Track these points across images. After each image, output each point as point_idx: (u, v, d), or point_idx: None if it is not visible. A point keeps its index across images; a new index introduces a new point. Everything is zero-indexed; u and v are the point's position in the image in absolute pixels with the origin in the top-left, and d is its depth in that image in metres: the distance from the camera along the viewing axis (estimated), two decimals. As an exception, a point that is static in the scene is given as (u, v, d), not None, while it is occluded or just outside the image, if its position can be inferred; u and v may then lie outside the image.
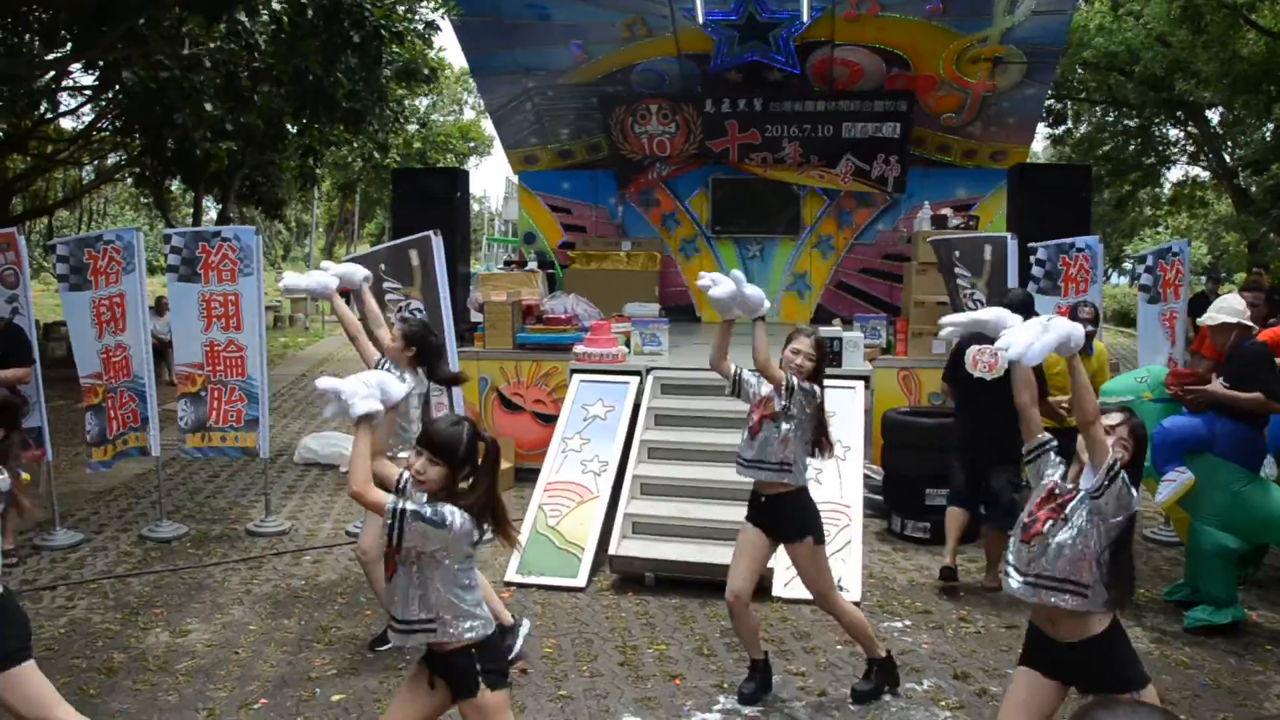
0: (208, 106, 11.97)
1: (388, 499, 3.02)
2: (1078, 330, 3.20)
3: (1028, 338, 3.14)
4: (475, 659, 3.14)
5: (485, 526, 3.13)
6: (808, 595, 5.24)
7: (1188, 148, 24.37)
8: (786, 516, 4.56)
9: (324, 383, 3.11)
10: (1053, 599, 3.19)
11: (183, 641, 5.38)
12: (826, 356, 4.64)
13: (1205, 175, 26.35)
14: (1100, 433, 3.17)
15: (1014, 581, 3.27)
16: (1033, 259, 7.28)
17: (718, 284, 4.35)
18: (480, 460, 3.14)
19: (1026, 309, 6.43)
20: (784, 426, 4.46)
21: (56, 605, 5.91)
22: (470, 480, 3.13)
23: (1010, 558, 3.31)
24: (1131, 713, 1.49)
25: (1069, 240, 7.31)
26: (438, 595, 3.08)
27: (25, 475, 3.40)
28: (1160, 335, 7.25)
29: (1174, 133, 23.98)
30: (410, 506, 3.00)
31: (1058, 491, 3.27)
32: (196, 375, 7.39)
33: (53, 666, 5.00)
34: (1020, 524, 3.32)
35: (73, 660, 5.11)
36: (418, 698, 3.22)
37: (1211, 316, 5.64)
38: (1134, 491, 3.21)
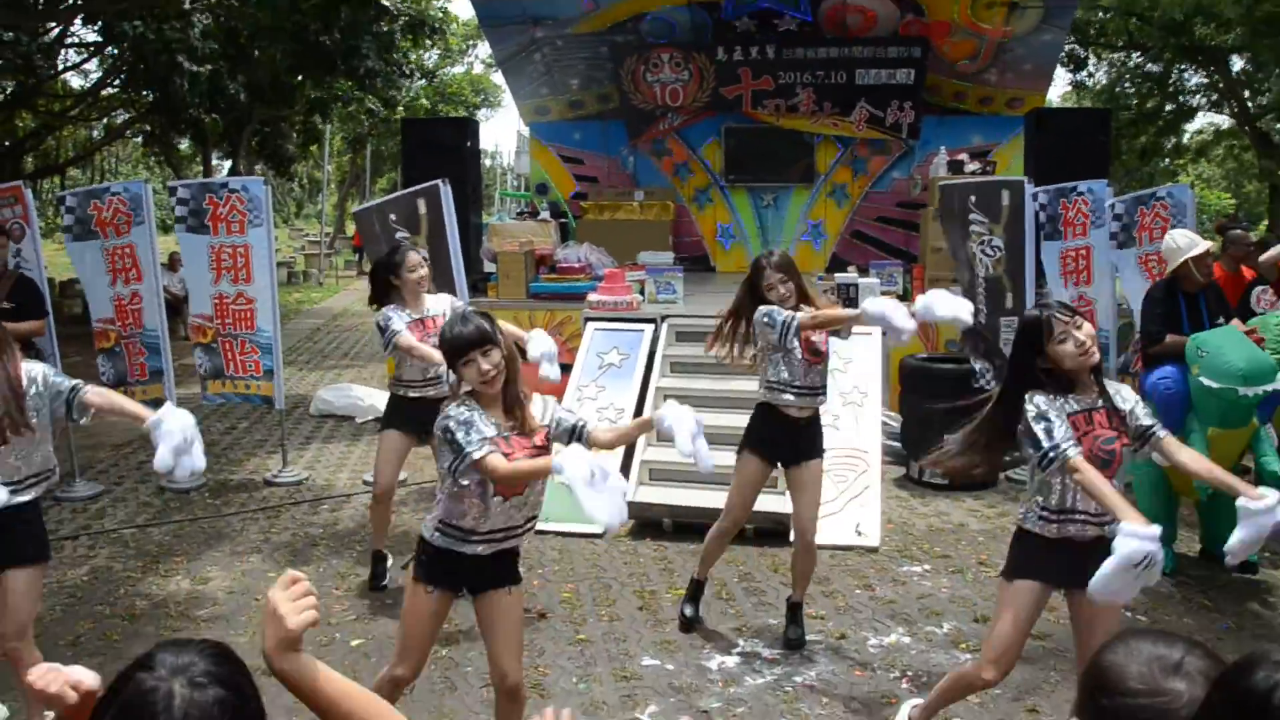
0: (193, 67, 11.83)
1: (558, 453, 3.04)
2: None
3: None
4: None
5: None
6: (828, 540, 5.26)
7: (1210, 96, 23.97)
8: (817, 433, 4.63)
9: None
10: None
11: (203, 589, 5.41)
12: (795, 270, 4.54)
13: (1227, 123, 25.95)
14: None
15: (1091, 531, 3.18)
16: (1035, 205, 7.16)
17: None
18: None
19: None
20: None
21: (79, 554, 5.94)
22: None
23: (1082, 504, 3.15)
24: (1173, 640, 1.44)
25: (1071, 184, 7.17)
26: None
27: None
28: (1138, 279, 7.02)
29: (1195, 79, 23.56)
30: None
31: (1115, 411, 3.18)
32: (207, 327, 7.37)
33: (76, 613, 5.05)
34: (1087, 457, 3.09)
35: (96, 607, 5.14)
36: (441, 614, 3.30)
37: None
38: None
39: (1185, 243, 5.58)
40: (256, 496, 7.13)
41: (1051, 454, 3.06)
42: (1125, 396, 3.24)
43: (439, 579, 3.22)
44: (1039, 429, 3.09)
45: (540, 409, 3.25)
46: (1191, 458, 3.13)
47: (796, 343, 4.41)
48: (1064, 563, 3.21)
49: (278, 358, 7.40)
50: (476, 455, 2.96)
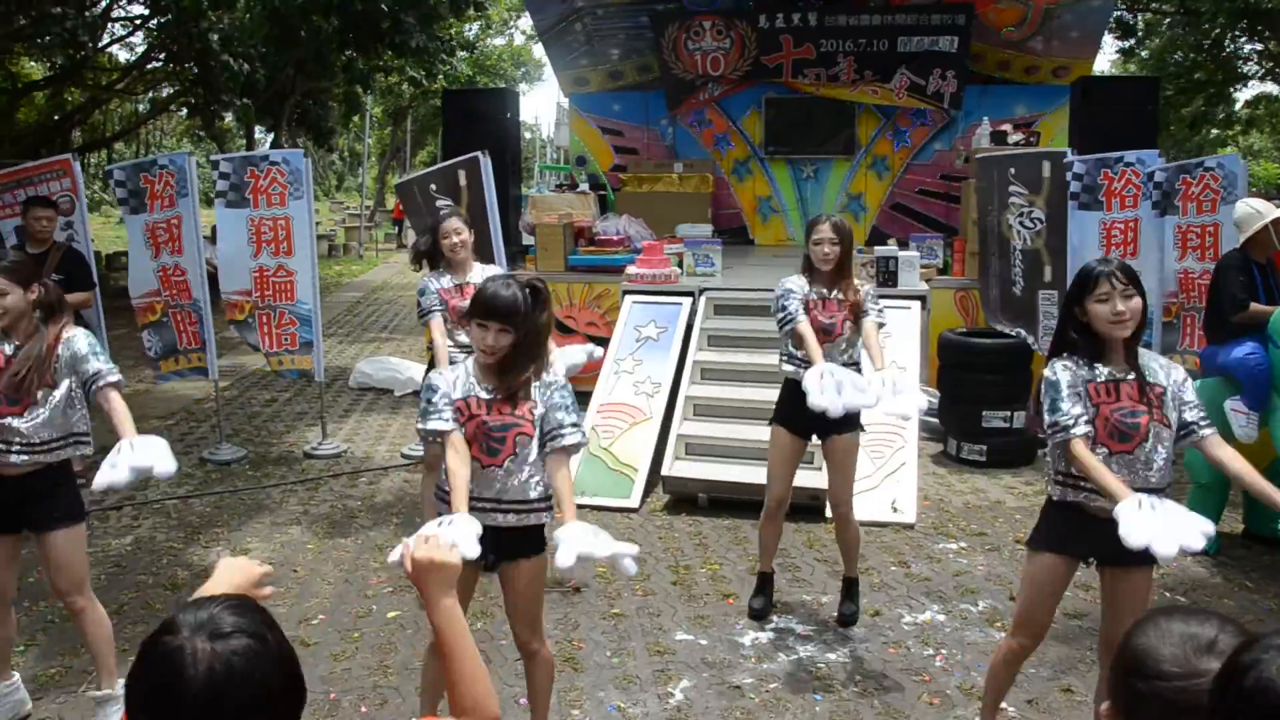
0: (232, 62, 11.94)
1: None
2: None
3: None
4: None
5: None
6: (864, 516, 5.22)
7: (1264, 64, 23.36)
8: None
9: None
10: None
11: (244, 559, 5.48)
12: (850, 238, 4.52)
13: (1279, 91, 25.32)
14: None
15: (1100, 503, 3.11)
16: (1069, 174, 6.97)
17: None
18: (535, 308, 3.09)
19: None
20: (851, 325, 4.48)
21: (123, 524, 6.05)
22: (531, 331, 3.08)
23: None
24: (1205, 618, 1.40)
25: (1116, 154, 6.98)
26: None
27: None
28: (1169, 247, 6.83)
29: (1249, 46, 22.94)
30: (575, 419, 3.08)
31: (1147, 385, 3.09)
32: (244, 303, 7.43)
33: (120, 582, 5.14)
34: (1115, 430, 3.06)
35: (139, 576, 5.24)
36: (466, 583, 3.22)
37: None
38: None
39: (1265, 208, 5.49)
40: (296, 468, 7.22)
41: (1052, 430, 3.08)
42: (1171, 376, 3.11)
43: None
44: (1046, 401, 3.10)
45: (554, 380, 3.15)
46: (1231, 456, 3.02)
47: (790, 340, 4.45)
48: (1084, 535, 3.16)
49: (318, 330, 7.45)
50: (419, 426, 3.07)
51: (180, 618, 1.36)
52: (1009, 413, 7.06)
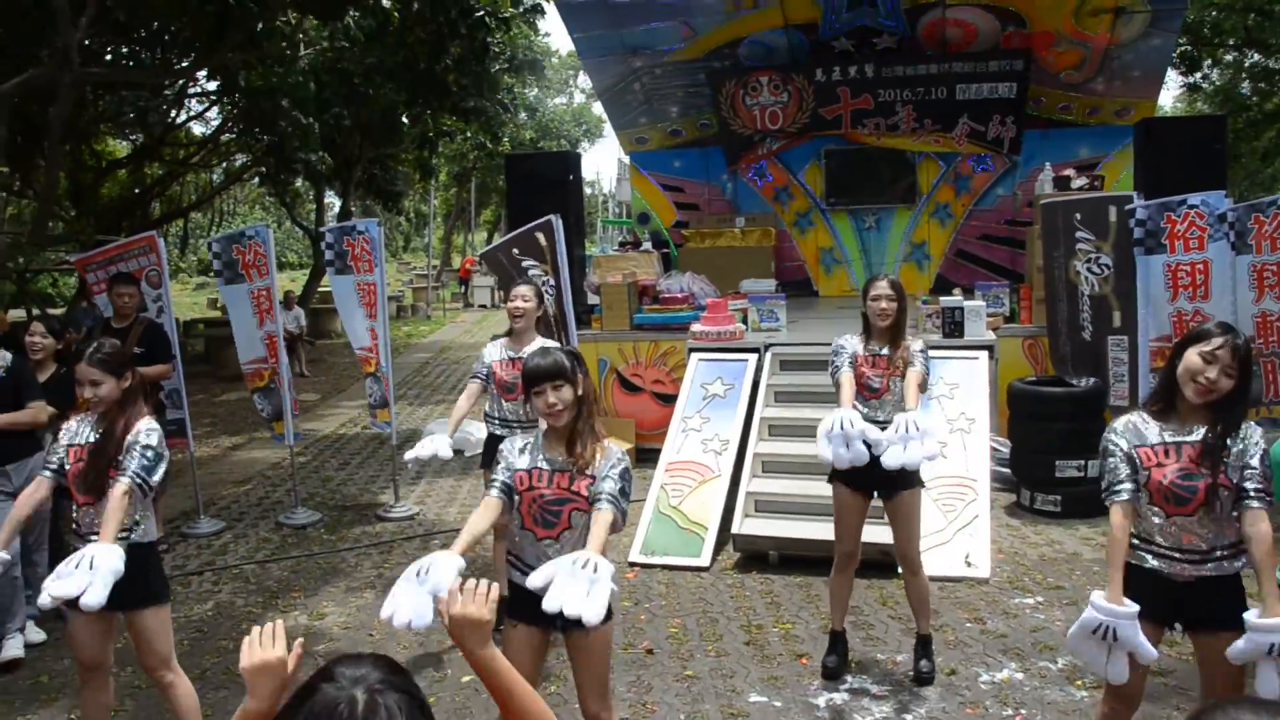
0: (302, 118, 12.36)
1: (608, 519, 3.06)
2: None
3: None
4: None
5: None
6: (936, 571, 5.15)
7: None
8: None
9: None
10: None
11: (320, 624, 5.57)
12: (905, 297, 4.58)
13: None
14: None
15: (1180, 568, 3.06)
16: (1132, 221, 6.88)
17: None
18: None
19: None
20: (900, 382, 4.51)
21: (203, 589, 6.19)
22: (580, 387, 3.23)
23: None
24: (1273, 709, 1.38)
25: (1179, 198, 6.87)
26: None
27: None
28: (1245, 288, 6.69)
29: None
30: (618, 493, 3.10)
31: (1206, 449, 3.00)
32: (370, 358, 7.73)
33: (203, 647, 5.26)
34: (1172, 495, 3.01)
35: (220, 641, 5.35)
36: (536, 648, 3.30)
37: None
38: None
39: None
40: (370, 532, 7.33)
41: (1103, 494, 3.15)
42: (1246, 436, 2.99)
43: (517, 612, 3.30)
44: (1100, 464, 3.17)
45: (610, 458, 3.20)
46: (1259, 538, 2.90)
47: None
48: (1162, 598, 3.06)
49: (390, 392, 7.65)
50: (487, 493, 3.23)
51: (339, 670, 1.54)
52: (1082, 461, 6.94)
